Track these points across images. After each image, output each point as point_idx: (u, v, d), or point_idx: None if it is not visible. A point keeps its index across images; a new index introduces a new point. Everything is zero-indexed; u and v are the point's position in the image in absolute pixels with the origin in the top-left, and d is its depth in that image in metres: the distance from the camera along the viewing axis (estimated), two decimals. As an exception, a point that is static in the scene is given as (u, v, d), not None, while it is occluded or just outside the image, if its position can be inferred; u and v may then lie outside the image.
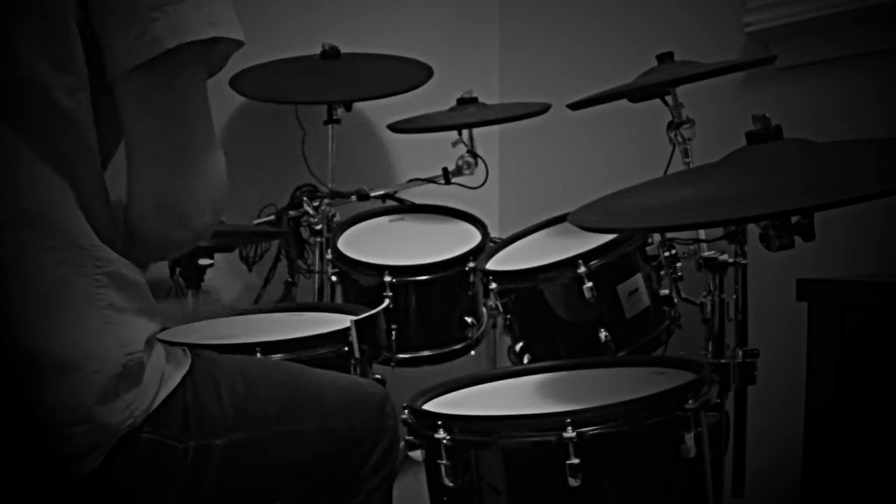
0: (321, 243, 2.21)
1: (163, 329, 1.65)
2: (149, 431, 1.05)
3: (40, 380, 0.98)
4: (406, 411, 1.43)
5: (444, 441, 1.34)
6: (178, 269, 2.18)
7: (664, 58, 1.84)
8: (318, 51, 2.38)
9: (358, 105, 2.51)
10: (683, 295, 1.80)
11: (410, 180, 2.32)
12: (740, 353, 1.61)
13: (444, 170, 2.24)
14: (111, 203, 1.07)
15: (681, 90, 1.80)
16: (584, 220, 1.38)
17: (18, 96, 0.97)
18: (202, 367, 1.15)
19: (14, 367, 0.97)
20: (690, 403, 1.30)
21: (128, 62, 0.95)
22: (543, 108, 2.17)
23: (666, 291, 1.80)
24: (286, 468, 1.22)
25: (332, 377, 1.31)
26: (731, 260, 1.61)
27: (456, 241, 2.07)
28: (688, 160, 1.79)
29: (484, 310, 2.05)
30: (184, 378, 1.11)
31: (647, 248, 1.80)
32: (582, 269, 1.71)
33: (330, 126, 2.38)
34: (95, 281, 1.01)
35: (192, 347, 1.19)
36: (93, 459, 1.01)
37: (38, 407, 0.98)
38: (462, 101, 2.24)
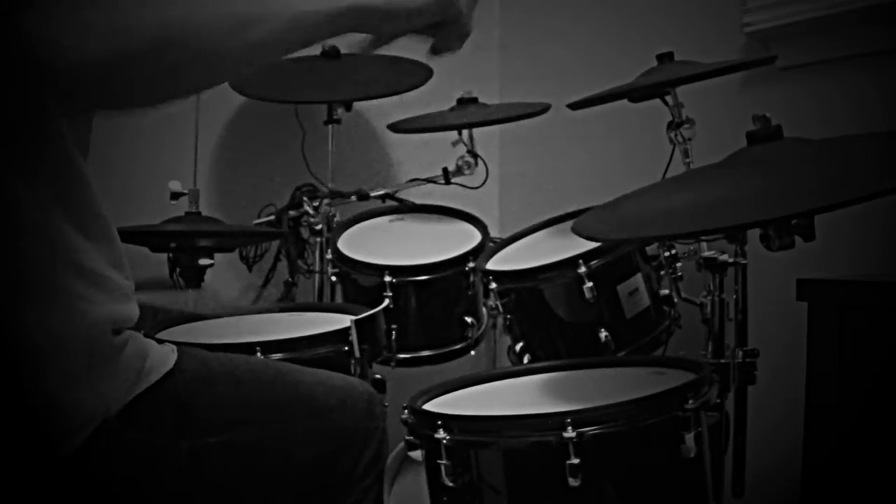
0: (321, 243, 2.21)
1: (163, 328, 1.67)
2: (139, 431, 1.05)
3: (9, 363, 0.98)
4: (406, 411, 1.43)
5: (444, 441, 1.34)
6: (178, 269, 2.18)
7: (664, 58, 1.84)
8: (318, 51, 2.38)
9: (358, 105, 2.51)
10: (683, 295, 1.80)
11: (410, 180, 2.32)
12: (740, 353, 1.60)
13: (444, 170, 2.24)
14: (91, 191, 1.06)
15: (681, 90, 1.80)
16: (587, 230, 1.38)
17: None
18: (193, 366, 1.15)
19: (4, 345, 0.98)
20: (690, 403, 1.30)
21: None
22: (543, 108, 2.17)
23: (666, 291, 1.80)
24: (279, 470, 1.22)
25: (321, 377, 1.32)
26: (731, 260, 1.61)
27: (456, 241, 2.07)
28: (688, 160, 1.79)
29: (484, 310, 2.05)
30: (173, 376, 1.11)
31: (647, 248, 1.80)
32: (582, 269, 1.71)
33: (330, 126, 2.38)
34: (61, 270, 1.01)
35: (190, 347, 1.19)
36: (67, 443, 1.01)
37: (22, 384, 0.98)
38: (462, 101, 2.24)
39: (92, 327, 1.03)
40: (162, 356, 1.13)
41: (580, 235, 1.37)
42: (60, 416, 1.01)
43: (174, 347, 1.16)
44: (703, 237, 1.71)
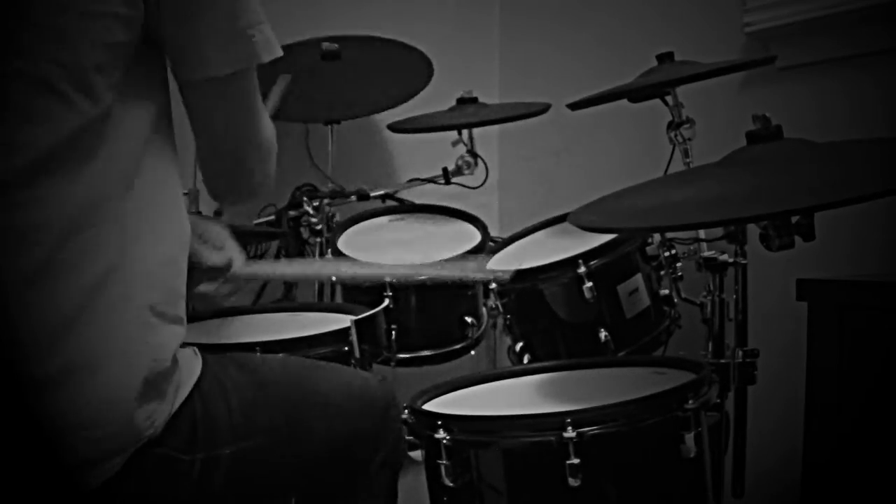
0: (321, 243, 2.21)
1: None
2: (157, 445, 1.05)
3: (70, 379, 0.98)
4: (406, 411, 1.43)
5: (444, 441, 1.34)
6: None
7: (664, 58, 1.84)
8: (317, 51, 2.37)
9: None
10: (683, 295, 1.80)
11: (410, 180, 2.32)
12: (740, 353, 1.61)
13: (444, 170, 2.24)
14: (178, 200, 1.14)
15: (681, 90, 1.80)
16: (584, 220, 1.38)
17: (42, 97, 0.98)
18: (211, 373, 1.14)
19: (46, 365, 0.97)
20: (690, 403, 1.30)
21: (225, 69, 1.08)
22: (543, 108, 2.17)
23: (666, 291, 1.80)
24: (292, 472, 1.21)
25: (340, 378, 1.31)
26: (731, 260, 1.61)
27: (456, 241, 2.06)
28: (688, 160, 1.79)
29: (484, 310, 2.04)
30: (193, 387, 1.10)
31: (647, 248, 1.80)
32: (582, 269, 1.71)
33: (330, 126, 2.37)
34: (136, 281, 1.02)
35: (206, 351, 1.19)
36: (111, 466, 1.01)
37: (64, 406, 0.98)
38: (462, 101, 2.24)
39: (155, 348, 1.04)
40: (189, 368, 1.12)
41: (576, 225, 1.37)
42: (110, 438, 1.01)
43: (196, 352, 1.16)
44: (703, 238, 1.71)
